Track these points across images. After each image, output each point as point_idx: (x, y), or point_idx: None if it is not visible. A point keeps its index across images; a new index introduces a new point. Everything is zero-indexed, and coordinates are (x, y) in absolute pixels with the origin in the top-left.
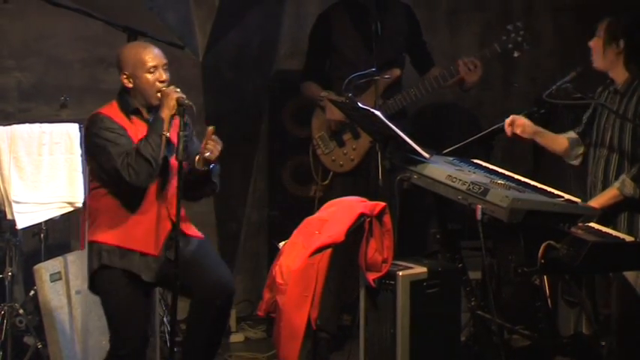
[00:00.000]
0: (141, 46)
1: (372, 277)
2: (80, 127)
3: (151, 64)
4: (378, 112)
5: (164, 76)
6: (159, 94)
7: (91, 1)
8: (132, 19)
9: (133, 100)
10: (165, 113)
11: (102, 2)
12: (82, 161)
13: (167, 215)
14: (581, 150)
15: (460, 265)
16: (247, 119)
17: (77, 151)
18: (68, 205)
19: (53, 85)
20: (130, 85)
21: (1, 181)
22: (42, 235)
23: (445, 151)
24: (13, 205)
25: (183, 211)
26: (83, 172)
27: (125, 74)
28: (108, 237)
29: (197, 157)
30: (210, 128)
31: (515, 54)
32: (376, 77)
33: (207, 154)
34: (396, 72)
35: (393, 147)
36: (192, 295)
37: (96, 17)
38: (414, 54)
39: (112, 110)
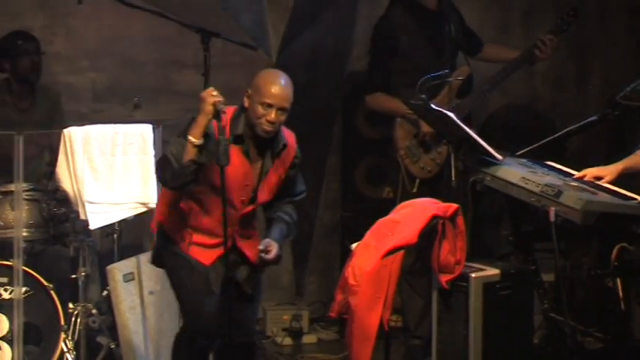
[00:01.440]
0: (273, 78)
1: (444, 278)
2: (154, 128)
3: (267, 100)
4: (451, 114)
5: (273, 116)
6: (260, 131)
7: (165, 2)
8: (206, 20)
9: (243, 121)
10: (201, 118)
11: (176, 3)
12: (156, 162)
13: (231, 233)
14: None
15: (533, 267)
16: (320, 120)
17: (150, 152)
18: (141, 206)
19: (127, 85)
20: (247, 105)
21: (74, 181)
22: (115, 236)
23: (518, 153)
24: (87, 205)
25: (252, 229)
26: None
27: (248, 92)
28: (171, 232)
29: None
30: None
31: (564, 28)
32: (449, 79)
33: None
34: (466, 70)
35: (467, 148)
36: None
37: (170, 18)
38: (465, 40)
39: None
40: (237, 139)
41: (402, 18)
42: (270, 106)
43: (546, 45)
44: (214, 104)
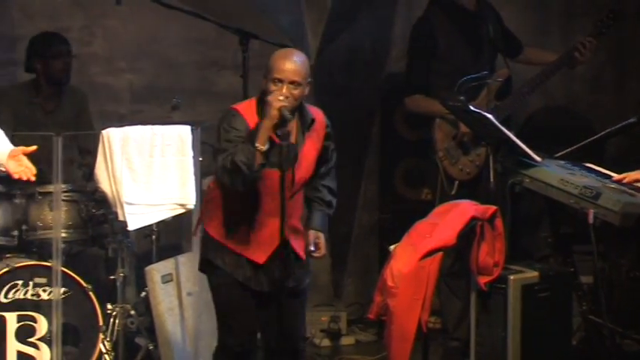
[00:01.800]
0: (283, 54)
1: (483, 280)
2: (192, 130)
3: (276, 75)
4: (489, 115)
5: (284, 90)
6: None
7: (203, 3)
8: (244, 21)
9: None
10: (266, 122)
11: (214, 4)
12: (194, 163)
13: (280, 227)
14: None
15: (572, 269)
16: (358, 121)
17: (189, 153)
18: (180, 207)
19: (165, 87)
20: (264, 87)
21: (113, 182)
22: (154, 237)
23: (557, 155)
24: (125, 206)
25: (298, 223)
26: (195, 175)
27: (264, 74)
28: (218, 234)
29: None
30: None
31: (603, 31)
32: (488, 81)
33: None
34: (505, 72)
35: (505, 150)
36: (262, 334)
37: (208, 19)
38: (504, 42)
39: (248, 108)
40: None
41: (440, 19)
42: (280, 81)
43: (586, 48)
44: (280, 109)
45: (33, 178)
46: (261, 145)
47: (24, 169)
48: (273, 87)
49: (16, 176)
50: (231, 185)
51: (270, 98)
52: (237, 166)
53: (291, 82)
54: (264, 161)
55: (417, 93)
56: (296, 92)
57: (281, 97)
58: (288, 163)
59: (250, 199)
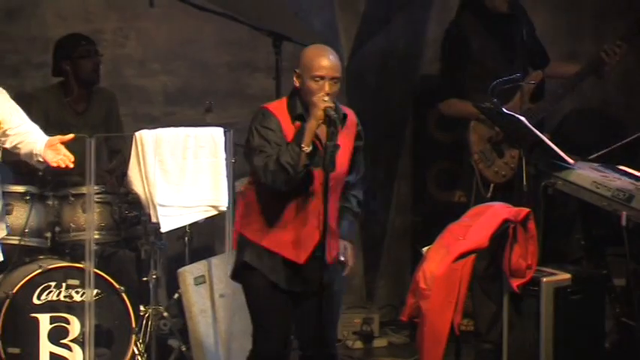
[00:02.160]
0: (318, 50)
1: (515, 283)
2: (225, 132)
3: (317, 73)
4: (522, 118)
5: (327, 88)
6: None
7: (236, 5)
8: (277, 23)
9: (299, 102)
10: (312, 123)
11: (247, 6)
12: (227, 165)
13: (318, 225)
14: None
15: (605, 272)
16: (391, 124)
17: (222, 155)
18: (212, 209)
19: (198, 89)
20: (297, 85)
21: (146, 184)
22: (186, 239)
23: (590, 157)
24: (158, 208)
25: (334, 223)
26: (227, 177)
27: (296, 72)
28: (256, 236)
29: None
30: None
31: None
32: (521, 83)
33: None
34: (539, 75)
35: (538, 153)
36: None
37: (241, 21)
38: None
39: (280, 107)
40: (299, 119)
41: (472, 22)
42: (322, 78)
43: (616, 53)
44: (325, 109)
45: (71, 166)
46: (307, 147)
47: (62, 157)
48: (314, 85)
49: (54, 164)
50: (272, 185)
51: (314, 99)
52: (282, 167)
53: (332, 78)
54: (307, 162)
55: (452, 96)
56: (335, 88)
57: (326, 98)
58: (332, 164)
59: (290, 199)
